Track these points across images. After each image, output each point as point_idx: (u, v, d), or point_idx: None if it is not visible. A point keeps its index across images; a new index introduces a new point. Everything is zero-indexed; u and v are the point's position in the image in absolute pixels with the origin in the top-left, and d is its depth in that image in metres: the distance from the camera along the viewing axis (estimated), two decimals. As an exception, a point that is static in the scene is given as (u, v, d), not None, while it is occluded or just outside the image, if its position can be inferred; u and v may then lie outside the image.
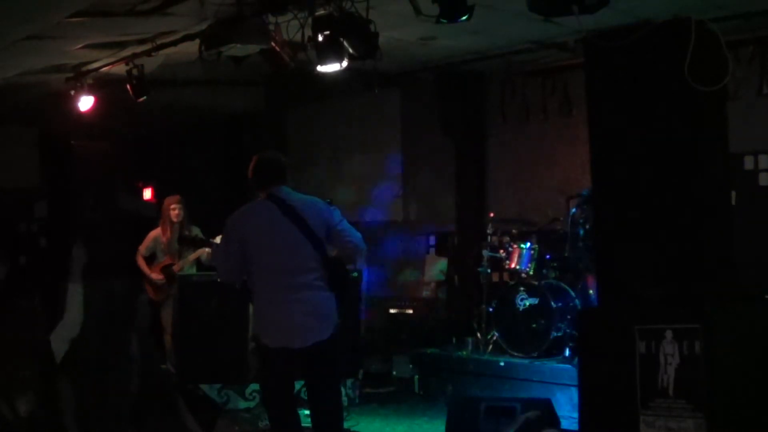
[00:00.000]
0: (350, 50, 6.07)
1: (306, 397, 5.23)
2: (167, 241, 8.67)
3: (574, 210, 7.88)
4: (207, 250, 8.22)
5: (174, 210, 8.61)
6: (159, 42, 7.43)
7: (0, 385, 5.08)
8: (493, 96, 9.54)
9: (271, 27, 6.45)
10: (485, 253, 8.47)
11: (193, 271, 8.69)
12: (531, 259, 8.05)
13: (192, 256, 8.52)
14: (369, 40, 6.05)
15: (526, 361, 7.70)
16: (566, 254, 8.00)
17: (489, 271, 8.53)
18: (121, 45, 7.61)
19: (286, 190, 5.11)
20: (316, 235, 5.00)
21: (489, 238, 8.56)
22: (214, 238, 7.97)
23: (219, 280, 5.55)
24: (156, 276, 8.61)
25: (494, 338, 8.13)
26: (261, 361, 5.19)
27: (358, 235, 5.19)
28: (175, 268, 8.55)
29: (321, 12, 6.06)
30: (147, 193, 13.01)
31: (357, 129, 10.69)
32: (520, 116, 9.34)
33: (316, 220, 5.04)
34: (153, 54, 7.61)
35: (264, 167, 5.18)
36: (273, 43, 6.52)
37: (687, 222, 5.03)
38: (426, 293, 9.76)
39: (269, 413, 5.24)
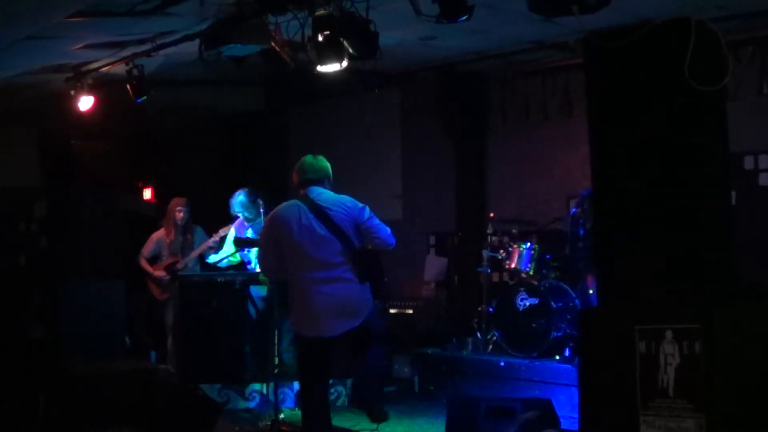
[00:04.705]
0: (350, 50, 6.07)
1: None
2: (170, 242, 8.72)
3: (574, 210, 7.88)
4: (211, 245, 8.36)
5: (180, 213, 8.71)
6: (159, 42, 7.43)
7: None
8: (493, 96, 9.53)
9: (271, 27, 6.45)
10: (485, 253, 8.47)
11: (197, 269, 8.75)
12: (531, 259, 8.04)
13: (194, 253, 8.59)
14: (369, 40, 6.05)
15: (526, 361, 7.69)
16: (566, 254, 8.00)
17: (489, 271, 8.52)
18: (121, 45, 7.61)
19: (317, 190, 5.47)
20: (343, 230, 5.32)
21: (489, 238, 8.55)
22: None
23: (261, 277, 6.28)
24: (160, 273, 8.67)
25: (494, 338, 8.12)
26: (298, 350, 5.64)
27: (387, 230, 5.49)
28: (178, 265, 8.60)
29: (321, 12, 6.06)
30: (147, 193, 13.03)
31: (357, 129, 10.68)
32: (520, 116, 9.32)
33: (343, 217, 5.36)
34: (153, 54, 7.62)
35: (299, 170, 5.60)
36: (273, 43, 6.53)
37: (687, 222, 5.03)
38: (426, 293, 9.76)
39: (302, 401, 5.63)
